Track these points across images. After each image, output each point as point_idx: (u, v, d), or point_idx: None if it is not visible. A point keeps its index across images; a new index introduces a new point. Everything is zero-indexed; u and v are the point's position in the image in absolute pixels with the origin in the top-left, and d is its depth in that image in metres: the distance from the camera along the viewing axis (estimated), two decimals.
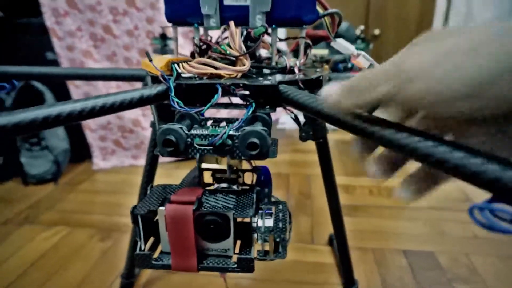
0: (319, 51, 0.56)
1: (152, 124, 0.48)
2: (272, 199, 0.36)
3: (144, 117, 1.15)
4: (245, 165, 0.38)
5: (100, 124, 1.14)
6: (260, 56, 0.47)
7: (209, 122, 0.34)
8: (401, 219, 0.83)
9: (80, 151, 1.15)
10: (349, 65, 0.64)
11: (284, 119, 1.58)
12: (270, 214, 0.31)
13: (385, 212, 0.85)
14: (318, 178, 1.04)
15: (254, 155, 0.29)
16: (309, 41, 0.45)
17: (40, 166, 1.02)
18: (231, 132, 0.29)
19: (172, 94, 0.32)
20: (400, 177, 0.25)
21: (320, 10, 0.39)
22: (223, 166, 0.31)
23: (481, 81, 0.15)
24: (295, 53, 0.46)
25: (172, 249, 0.31)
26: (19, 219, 0.83)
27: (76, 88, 1.10)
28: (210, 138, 0.29)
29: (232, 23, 0.35)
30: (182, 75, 0.36)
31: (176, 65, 0.35)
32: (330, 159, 0.48)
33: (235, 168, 0.36)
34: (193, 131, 0.30)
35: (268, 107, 0.35)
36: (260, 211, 0.31)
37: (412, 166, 0.24)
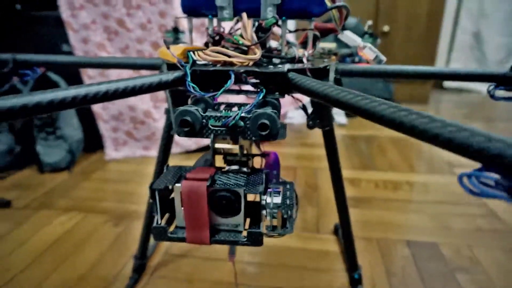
0: (327, 45, 0.58)
1: (166, 111, 0.50)
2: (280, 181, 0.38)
3: (155, 109, 1.18)
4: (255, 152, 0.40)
5: (113, 115, 1.17)
6: (270, 47, 0.49)
7: (222, 107, 0.36)
8: (406, 212, 0.84)
9: (92, 141, 1.19)
10: (356, 59, 0.65)
11: (292, 114, 1.60)
12: (278, 193, 0.33)
13: (390, 205, 0.87)
14: (324, 171, 1.06)
15: (264, 135, 0.31)
16: (317, 33, 0.47)
17: (55, 155, 1.05)
18: (243, 114, 0.31)
19: (189, 79, 0.35)
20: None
21: (328, 3, 0.41)
22: (235, 146, 0.33)
23: None
24: (304, 45, 0.48)
25: (186, 223, 0.33)
26: (36, 204, 0.87)
27: (89, 79, 1.14)
28: (223, 120, 0.32)
29: (244, 15, 0.38)
30: (197, 62, 0.38)
31: (191, 53, 0.38)
32: (336, 147, 0.50)
33: (245, 151, 0.38)
34: (207, 113, 0.32)
35: (277, 93, 0.37)
36: (269, 190, 0.33)
37: None
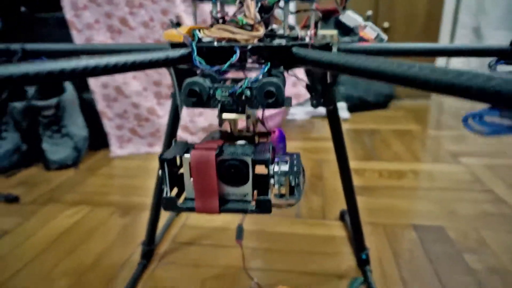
0: (329, 32, 0.59)
1: (172, 95, 0.51)
2: None
3: (159, 105, 1.19)
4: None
5: (117, 113, 1.18)
6: (273, 29, 0.50)
7: (228, 82, 0.37)
8: (411, 198, 0.85)
9: (97, 139, 1.20)
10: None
11: (294, 110, 1.60)
12: (286, 162, 0.34)
13: (394, 193, 0.87)
14: (329, 162, 1.06)
15: (271, 102, 0.32)
16: (319, 13, 0.47)
17: (61, 152, 1.06)
18: (249, 85, 0.32)
19: (195, 54, 0.36)
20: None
21: None
22: (242, 116, 0.34)
23: None
24: (306, 29, 0.49)
25: (196, 193, 0.34)
26: (43, 200, 0.88)
27: (94, 78, 1.15)
28: (230, 90, 0.32)
29: None
30: (203, 40, 0.39)
31: (197, 31, 0.39)
32: (340, 126, 0.50)
33: (252, 123, 0.39)
34: (215, 85, 0.33)
35: (282, 67, 0.38)
36: (276, 160, 0.34)
37: None
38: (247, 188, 0.34)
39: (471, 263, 0.61)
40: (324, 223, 0.74)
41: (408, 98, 1.92)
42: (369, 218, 0.74)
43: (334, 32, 0.61)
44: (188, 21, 1.15)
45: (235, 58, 0.36)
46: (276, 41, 0.39)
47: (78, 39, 1.12)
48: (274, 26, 0.51)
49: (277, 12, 0.45)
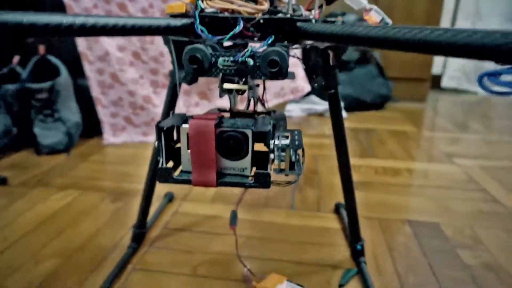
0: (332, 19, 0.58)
1: (171, 73, 0.49)
2: None
3: (155, 94, 1.17)
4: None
5: (112, 100, 1.16)
6: (276, 7, 0.49)
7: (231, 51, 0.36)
8: (406, 195, 0.84)
9: (90, 127, 1.18)
10: None
11: (291, 107, 1.60)
12: (287, 137, 0.33)
13: (390, 189, 0.86)
14: (324, 157, 1.06)
15: (274, 72, 0.31)
16: None
17: (53, 137, 1.04)
18: (252, 54, 0.31)
19: (197, 22, 0.34)
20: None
21: None
22: (243, 87, 0.33)
23: None
24: (309, 12, 0.48)
25: (193, 165, 0.32)
26: (33, 182, 0.86)
27: (90, 65, 1.13)
28: (233, 58, 0.31)
29: None
30: (206, 10, 0.38)
31: (200, 1, 0.37)
32: (340, 111, 0.49)
33: (252, 98, 0.38)
34: (217, 52, 0.32)
35: (286, 41, 0.37)
36: (276, 134, 0.33)
37: None
38: (246, 162, 0.33)
39: (466, 258, 0.61)
40: (319, 215, 0.73)
41: (404, 100, 1.93)
42: (364, 212, 0.74)
43: (339, 18, 0.61)
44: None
45: (238, 28, 0.35)
46: (281, 15, 0.39)
47: None
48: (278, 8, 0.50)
49: None
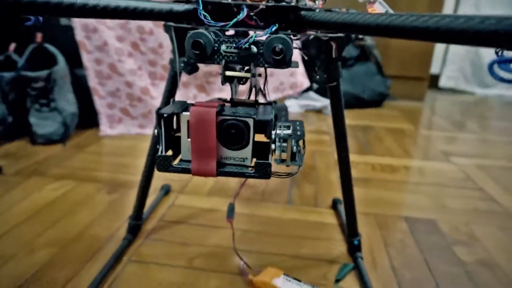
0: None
1: (171, 61, 0.49)
2: None
3: (153, 86, 1.16)
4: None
5: (109, 91, 1.15)
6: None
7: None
8: (403, 191, 0.84)
9: (87, 118, 1.16)
10: None
11: (289, 103, 1.59)
12: (288, 127, 0.32)
13: (387, 185, 0.87)
14: (322, 154, 1.05)
15: (278, 59, 0.30)
16: None
17: (49, 127, 1.03)
18: (256, 39, 0.30)
19: (201, 7, 0.34)
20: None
21: None
22: (246, 75, 0.32)
23: None
24: (313, 2, 0.47)
25: (193, 154, 0.32)
26: (27, 172, 0.85)
27: (87, 54, 1.12)
28: (236, 44, 0.31)
29: None
30: None
31: None
32: (342, 104, 0.49)
33: (254, 86, 0.37)
34: (221, 38, 0.31)
35: (290, 30, 0.36)
36: (278, 124, 0.32)
37: None
38: (247, 152, 0.32)
39: (461, 255, 0.61)
40: (316, 211, 0.73)
41: (402, 99, 1.93)
42: (361, 208, 0.73)
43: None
44: None
45: (242, 15, 0.34)
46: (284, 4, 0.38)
47: None
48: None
49: None
